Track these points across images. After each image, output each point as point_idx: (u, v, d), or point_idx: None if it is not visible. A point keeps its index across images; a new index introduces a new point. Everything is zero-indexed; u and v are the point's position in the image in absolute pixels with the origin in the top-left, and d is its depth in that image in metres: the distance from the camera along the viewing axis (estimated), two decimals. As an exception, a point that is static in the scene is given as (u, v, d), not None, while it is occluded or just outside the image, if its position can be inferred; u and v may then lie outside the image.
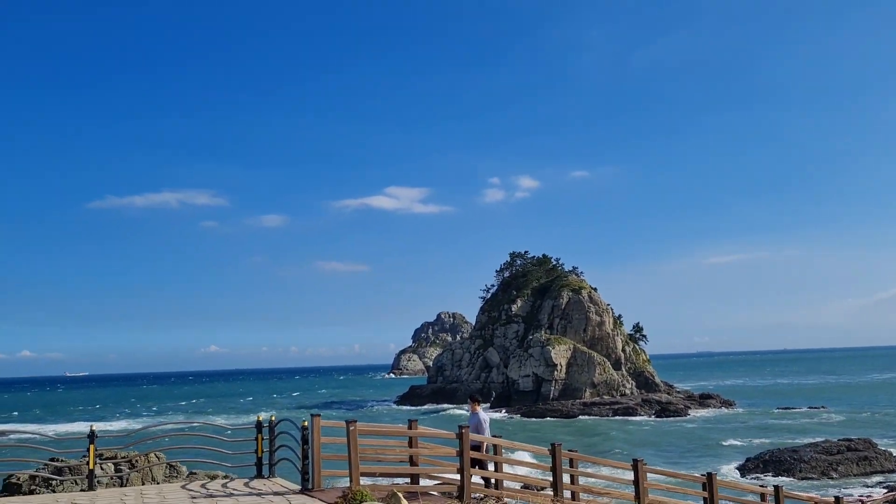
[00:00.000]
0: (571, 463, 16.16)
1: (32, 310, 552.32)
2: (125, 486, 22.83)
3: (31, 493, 21.91)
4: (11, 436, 24.31)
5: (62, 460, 22.62)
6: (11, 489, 23.86)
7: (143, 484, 24.02)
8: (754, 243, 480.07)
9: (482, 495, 14.05)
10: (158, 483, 24.78)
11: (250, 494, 14.47)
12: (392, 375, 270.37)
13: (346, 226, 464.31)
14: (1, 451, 27.00)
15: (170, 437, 22.21)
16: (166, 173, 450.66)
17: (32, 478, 22.29)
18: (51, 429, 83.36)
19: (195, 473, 26.52)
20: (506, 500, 14.45)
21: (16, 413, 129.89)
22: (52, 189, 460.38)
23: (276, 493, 14.47)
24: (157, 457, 23.88)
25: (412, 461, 14.80)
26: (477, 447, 14.91)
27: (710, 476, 18.32)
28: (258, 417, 17.21)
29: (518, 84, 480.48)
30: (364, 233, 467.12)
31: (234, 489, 15.26)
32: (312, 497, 13.76)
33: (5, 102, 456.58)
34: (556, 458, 14.78)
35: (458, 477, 15.24)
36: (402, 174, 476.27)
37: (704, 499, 18.32)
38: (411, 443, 14.85)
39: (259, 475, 16.97)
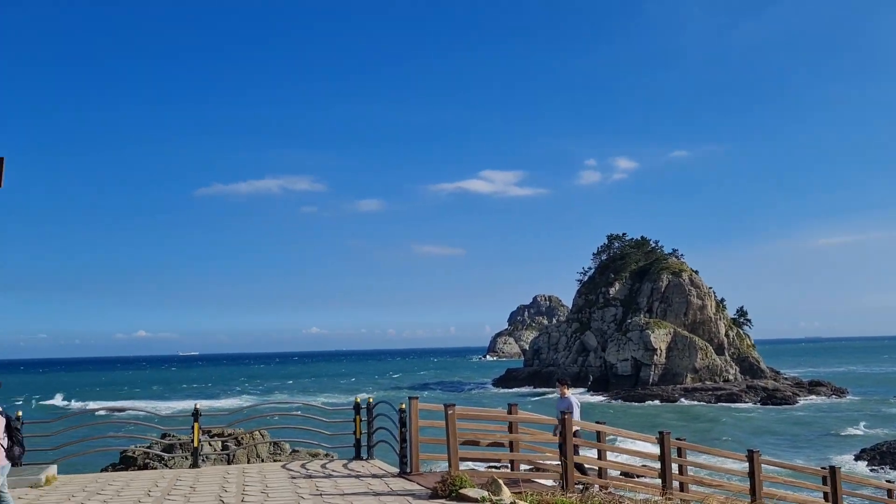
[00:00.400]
0: (680, 452, 15.40)
1: (147, 292, 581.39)
2: (231, 461, 23.40)
3: (145, 466, 22.79)
4: (129, 411, 25.53)
5: (173, 436, 23.37)
6: (127, 461, 24.98)
7: (249, 460, 24.67)
8: (867, 223, 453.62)
9: (586, 483, 13.49)
10: (263, 460, 25.38)
11: (349, 476, 14.38)
12: (488, 358, 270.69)
13: (441, 209, 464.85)
14: (123, 426, 28.13)
15: (274, 417, 22.59)
16: (268, 160, 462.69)
17: (146, 452, 23.13)
18: (167, 405, 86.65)
19: (297, 451, 27.00)
20: (611, 489, 13.84)
21: (138, 389, 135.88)
22: (164, 177, 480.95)
23: (374, 476, 14.32)
24: (261, 434, 24.40)
25: (512, 447, 14.37)
26: (574, 433, 14.34)
27: (832, 470, 17.15)
28: (356, 399, 17.15)
29: (615, 62, 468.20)
30: (459, 216, 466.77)
31: (333, 470, 15.21)
32: (411, 481, 13.53)
33: (118, 97, 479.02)
34: (665, 446, 14.03)
35: (559, 463, 14.72)
36: (497, 157, 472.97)
37: (825, 493, 17.16)
38: (511, 428, 14.42)
39: (357, 456, 16.92)
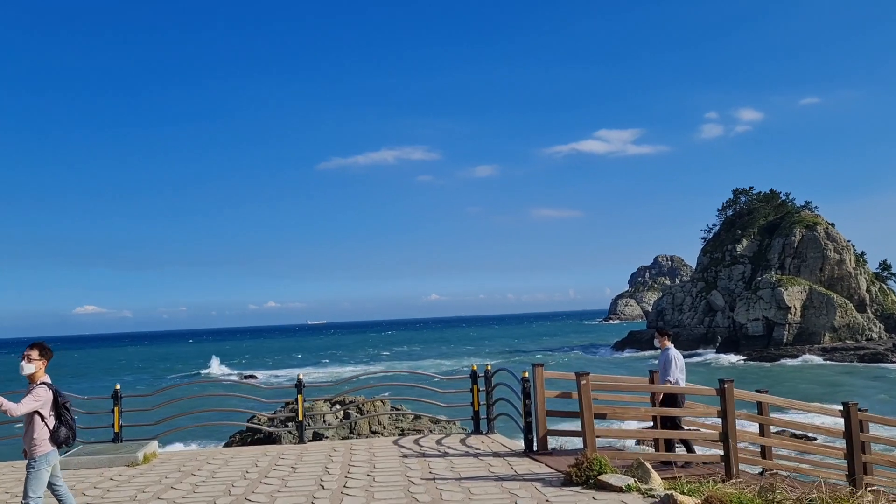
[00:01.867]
0: (861, 426, 12.81)
1: (276, 264, 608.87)
2: (354, 430, 22.34)
3: (270, 435, 22.05)
4: (259, 379, 24.97)
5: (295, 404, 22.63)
6: (253, 429, 24.49)
7: (370, 427, 23.72)
8: None
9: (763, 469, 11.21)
10: (384, 427, 24.38)
11: (466, 454, 12.65)
12: (610, 321, 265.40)
13: (557, 172, 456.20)
14: (240, 399, 27.95)
15: (394, 387, 21.44)
16: (383, 132, 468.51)
17: (271, 420, 22.52)
18: (302, 372, 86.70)
19: (419, 418, 25.88)
20: (785, 474, 11.51)
21: (279, 357, 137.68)
22: (287, 153, 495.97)
23: (495, 454, 12.54)
24: (382, 403, 23.46)
25: (657, 422, 12.21)
26: (671, 400, 11.78)
27: None
28: (472, 367, 15.39)
29: (733, 4, 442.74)
30: (576, 178, 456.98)
31: (449, 447, 13.54)
32: (538, 461, 11.65)
33: (239, 77, 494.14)
34: (852, 421, 11.56)
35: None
36: (612, 116, 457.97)
37: None
38: (655, 399, 12.26)
39: (476, 430, 15.22)
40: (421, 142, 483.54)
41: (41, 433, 7.69)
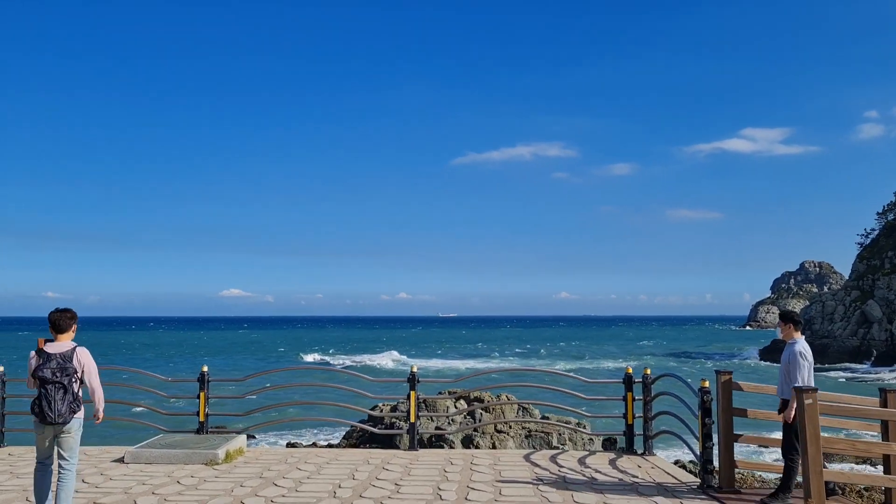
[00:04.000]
0: None
1: (409, 256, 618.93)
2: (477, 430, 19.85)
3: (392, 425, 19.92)
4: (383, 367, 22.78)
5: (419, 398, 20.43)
6: (374, 420, 22.57)
7: (496, 427, 21.23)
8: None
9: None
10: (510, 427, 21.84)
11: (621, 485, 9.66)
12: (748, 328, 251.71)
13: (697, 171, 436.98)
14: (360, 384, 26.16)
15: (528, 387, 18.57)
16: (520, 128, 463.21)
17: (391, 412, 20.50)
18: (428, 364, 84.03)
19: (548, 418, 23.18)
20: None
21: (425, 347, 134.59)
22: (423, 148, 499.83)
23: (660, 488, 9.49)
24: (507, 398, 20.95)
25: (892, 464, 8.82)
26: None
27: None
28: (627, 370, 12.36)
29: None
30: (717, 178, 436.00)
31: (597, 470, 10.61)
32: (724, 504, 8.55)
33: (388, 77, 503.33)
34: None
35: None
36: (760, 114, 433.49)
37: None
38: (889, 430, 8.87)
39: (629, 450, 12.19)
40: (558, 138, 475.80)
41: None
